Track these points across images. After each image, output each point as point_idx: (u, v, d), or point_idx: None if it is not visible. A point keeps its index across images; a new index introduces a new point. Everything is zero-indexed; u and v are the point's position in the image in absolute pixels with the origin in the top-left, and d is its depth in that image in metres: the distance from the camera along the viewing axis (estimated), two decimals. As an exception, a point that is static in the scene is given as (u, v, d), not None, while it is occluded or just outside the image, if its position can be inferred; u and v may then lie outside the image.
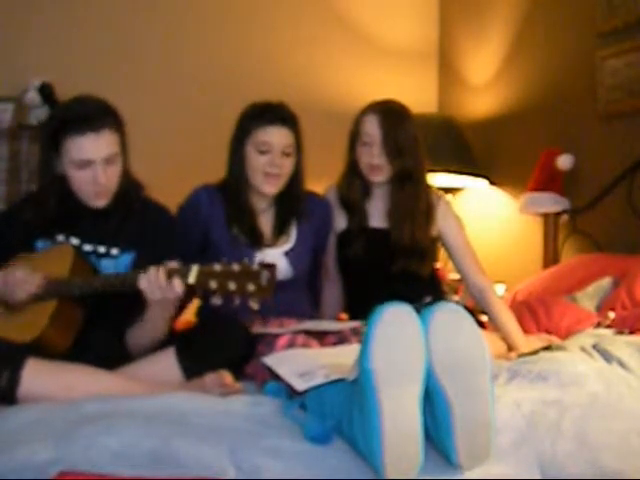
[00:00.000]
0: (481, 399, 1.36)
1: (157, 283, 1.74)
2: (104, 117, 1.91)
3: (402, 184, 2.40)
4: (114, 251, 1.99)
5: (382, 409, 1.30)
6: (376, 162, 2.36)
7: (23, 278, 1.84)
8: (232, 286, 1.67)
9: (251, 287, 1.66)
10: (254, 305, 1.69)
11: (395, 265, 2.38)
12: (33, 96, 3.18)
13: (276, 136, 2.18)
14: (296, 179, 2.27)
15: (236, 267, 1.68)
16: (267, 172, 2.20)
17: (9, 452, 1.33)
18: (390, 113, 2.37)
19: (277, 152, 2.18)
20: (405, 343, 1.32)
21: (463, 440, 1.35)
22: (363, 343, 1.34)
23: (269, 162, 2.18)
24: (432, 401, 1.37)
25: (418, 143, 2.40)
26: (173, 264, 1.76)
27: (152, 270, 1.75)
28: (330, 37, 3.93)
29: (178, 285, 1.73)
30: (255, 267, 1.68)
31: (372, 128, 2.35)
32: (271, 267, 1.68)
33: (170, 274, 1.74)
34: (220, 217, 2.26)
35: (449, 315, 1.38)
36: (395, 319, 1.33)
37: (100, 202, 1.96)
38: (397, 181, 2.40)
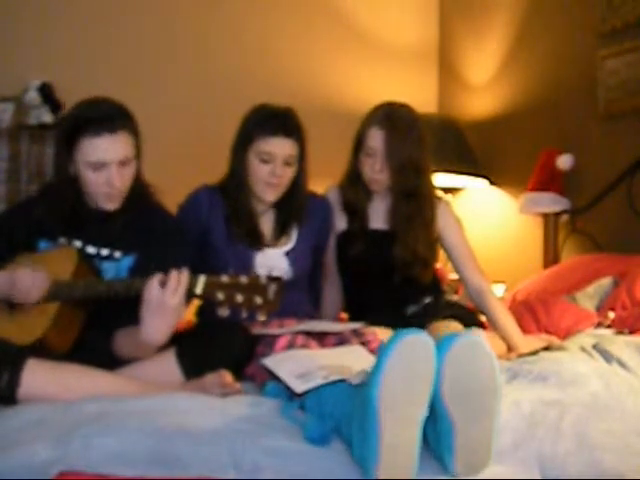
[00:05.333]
0: (486, 424, 1.36)
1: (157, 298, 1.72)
2: (121, 119, 1.90)
3: (406, 199, 2.37)
4: (117, 254, 1.99)
5: (382, 431, 1.30)
6: (378, 177, 2.35)
7: (31, 284, 1.81)
8: (239, 298, 1.66)
9: (258, 300, 1.65)
10: (261, 317, 1.68)
11: (397, 275, 2.37)
12: (33, 96, 3.18)
13: (279, 147, 2.16)
14: (298, 186, 2.26)
15: (244, 279, 1.67)
16: (268, 182, 2.19)
17: (9, 452, 1.33)
18: (396, 129, 2.29)
19: (279, 162, 2.17)
20: (416, 374, 1.31)
21: (462, 457, 1.35)
22: (376, 363, 1.32)
23: (270, 172, 2.17)
24: (436, 420, 1.36)
25: (424, 155, 2.35)
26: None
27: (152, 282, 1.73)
28: (330, 37, 3.93)
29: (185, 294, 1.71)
30: (262, 280, 1.67)
31: (376, 143, 2.31)
32: (279, 280, 1.67)
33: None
34: (220, 217, 2.25)
35: (467, 347, 1.35)
36: (411, 348, 1.31)
37: (111, 205, 1.95)
38: (400, 193, 2.38)
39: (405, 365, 1.30)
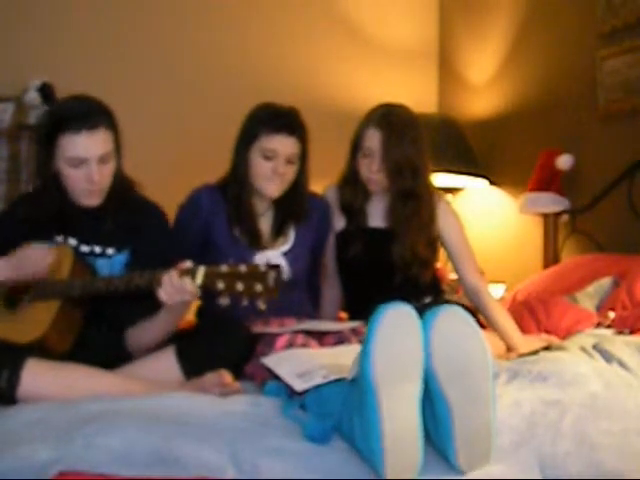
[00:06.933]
0: (483, 405, 1.36)
1: (171, 287, 1.73)
2: (99, 116, 1.91)
3: (403, 200, 2.37)
4: (109, 251, 2.00)
5: (381, 410, 1.30)
6: (375, 177, 2.35)
7: (37, 255, 1.86)
8: (239, 287, 1.67)
9: (258, 288, 1.66)
10: (262, 306, 1.68)
11: (396, 275, 2.37)
12: (33, 96, 3.18)
13: (282, 144, 2.17)
14: (299, 186, 2.26)
15: (243, 268, 1.68)
16: (270, 178, 2.20)
17: (9, 452, 1.33)
18: (393, 129, 2.29)
19: (282, 160, 2.18)
20: (405, 344, 1.32)
21: (463, 444, 1.35)
22: (364, 343, 1.33)
23: (273, 169, 2.18)
24: (433, 404, 1.37)
25: (421, 155, 2.34)
26: (183, 265, 1.75)
27: (165, 275, 1.74)
28: (330, 37, 3.93)
29: (190, 285, 1.72)
30: (262, 268, 1.68)
31: (373, 144, 2.31)
32: (277, 268, 1.68)
33: (180, 275, 1.73)
34: (221, 217, 2.26)
35: (452, 319, 1.37)
36: (395, 320, 1.33)
37: (92, 201, 1.96)
38: (397, 194, 2.38)
39: (392, 334, 1.31)
